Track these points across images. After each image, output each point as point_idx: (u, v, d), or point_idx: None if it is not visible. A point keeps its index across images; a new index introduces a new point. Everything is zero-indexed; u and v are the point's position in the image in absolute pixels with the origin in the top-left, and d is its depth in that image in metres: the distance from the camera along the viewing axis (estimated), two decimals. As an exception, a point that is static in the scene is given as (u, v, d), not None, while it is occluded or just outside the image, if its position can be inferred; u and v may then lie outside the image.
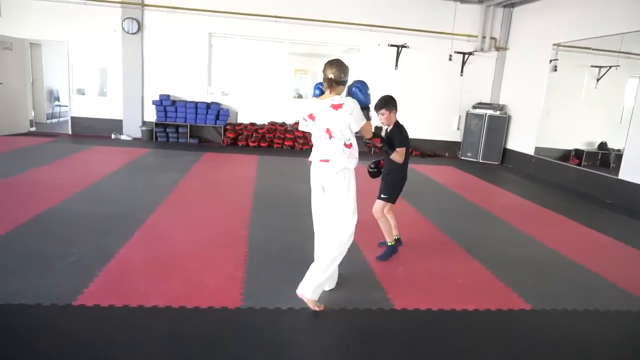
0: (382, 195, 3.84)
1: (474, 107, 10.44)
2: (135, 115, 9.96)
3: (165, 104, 9.70)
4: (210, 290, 3.05)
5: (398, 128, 3.72)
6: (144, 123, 10.00)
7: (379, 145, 3.59)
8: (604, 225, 5.67)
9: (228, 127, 9.96)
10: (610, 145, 9.73)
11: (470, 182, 7.94)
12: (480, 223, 5.30)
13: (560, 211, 6.09)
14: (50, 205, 4.67)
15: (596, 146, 9.85)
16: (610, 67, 9.39)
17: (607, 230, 5.30)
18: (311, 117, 2.90)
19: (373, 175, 3.86)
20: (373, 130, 3.28)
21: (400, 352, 2.53)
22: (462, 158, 10.62)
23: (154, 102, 9.71)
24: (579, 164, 8.98)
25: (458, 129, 10.91)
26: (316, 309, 2.90)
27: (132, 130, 9.95)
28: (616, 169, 7.58)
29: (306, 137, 10.02)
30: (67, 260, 3.38)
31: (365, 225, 4.11)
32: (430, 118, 10.70)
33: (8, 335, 2.41)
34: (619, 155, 9.18)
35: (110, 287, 3.02)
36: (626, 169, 6.94)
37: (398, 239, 4.04)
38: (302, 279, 2.95)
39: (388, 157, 3.70)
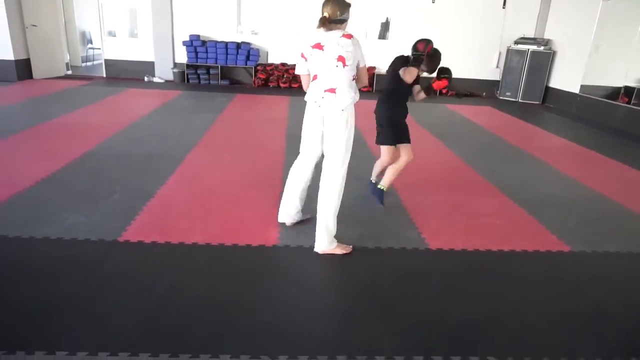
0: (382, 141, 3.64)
1: (516, 42, 9.82)
2: (166, 57, 9.92)
3: (195, 44, 9.58)
4: (248, 229, 3.13)
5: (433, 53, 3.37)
6: (175, 65, 9.97)
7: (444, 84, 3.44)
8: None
9: (259, 67, 9.81)
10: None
11: (509, 123, 7.64)
12: (519, 165, 5.14)
13: (606, 152, 5.81)
14: (92, 146, 4.82)
15: (650, 83, 9.21)
16: (672, -6, 8.53)
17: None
18: (318, 46, 2.74)
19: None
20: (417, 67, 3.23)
21: (436, 292, 2.56)
22: (501, 98, 10.17)
23: (184, 43, 9.60)
24: (628, 102, 8.44)
25: (497, 66, 10.37)
26: (344, 252, 2.88)
27: (164, 72, 9.95)
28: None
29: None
30: (111, 198, 3.52)
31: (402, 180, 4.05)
32: (468, 55, 10.15)
33: (63, 269, 2.56)
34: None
35: (152, 224, 3.14)
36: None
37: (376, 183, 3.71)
38: (338, 219, 2.93)
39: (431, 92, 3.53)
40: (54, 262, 2.61)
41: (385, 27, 10.35)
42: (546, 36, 9.90)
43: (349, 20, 2.82)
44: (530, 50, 9.64)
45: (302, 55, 2.85)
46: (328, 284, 2.57)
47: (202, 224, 3.18)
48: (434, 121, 7.18)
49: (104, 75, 10.09)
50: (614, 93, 8.91)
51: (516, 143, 6.11)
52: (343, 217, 3.40)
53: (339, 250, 2.89)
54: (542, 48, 9.60)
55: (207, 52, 9.65)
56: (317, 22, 2.74)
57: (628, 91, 8.97)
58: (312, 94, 2.84)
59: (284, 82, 9.69)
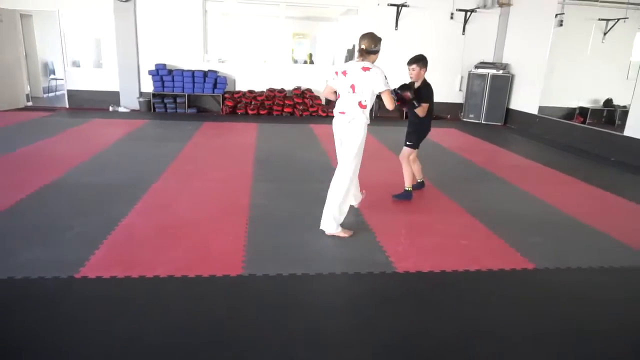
0: (407, 143, 4.40)
1: (476, 67, 10.20)
2: (132, 86, 9.82)
3: (161, 73, 9.53)
4: (213, 259, 3.05)
5: (426, 85, 4.25)
6: (141, 94, 9.87)
7: (408, 98, 3.94)
8: (609, 182, 5.61)
9: (226, 95, 9.81)
10: (616, 102, 9.56)
11: (473, 144, 7.84)
12: (483, 184, 5.26)
13: (565, 170, 6.03)
14: (54, 178, 4.67)
15: (601, 103, 9.68)
16: (618, 19, 9.09)
17: (612, 188, 5.25)
18: (344, 73, 3.46)
19: (404, 99, 3.95)
20: (399, 90, 3.89)
21: (405, 315, 2.54)
22: (465, 120, 10.47)
23: (150, 72, 9.54)
24: (584, 122, 8.84)
25: (460, 90, 10.72)
26: (346, 235, 3.48)
27: (129, 101, 9.82)
28: (622, 126, 7.45)
29: (306, 104, 9.88)
30: (72, 232, 3.38)
31: (365, 188, 4.08)
32: (431, 80, 10.32)
33: (8, 313, 2.42)
34: (625, 112, 9.01)
35: (113, 257, 3.02)
36: (632, 125, 6.82)
37: (421, 181, 4.71)
38: (304, 245, 3.17)
39: (413, 110, 4.13)
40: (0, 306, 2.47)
41: (351, 53, 10.59)
42: (504, 60, 10.34)
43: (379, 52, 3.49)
44: (490, 74, 10.02)
45: (336, 73, 3.55)
46: (296, 311, 2.51)
47: (166, 255, 3.09)
48: (401, 143, 7.29)
49: (67, 106, 9.87)
50: (570, 113, 9.33)
51: (480, 164, 6.27)
52: (309, 237, 3.38)
53: (343, 234, 3.49)
54: (501, 72, 10.00)
55: (173, 80, 9.60)
56: (356, 54, 3.49)
57: (583, 111, 9.42)
58: (336, 109, 3.58)
59: (252, 109, 9.71)
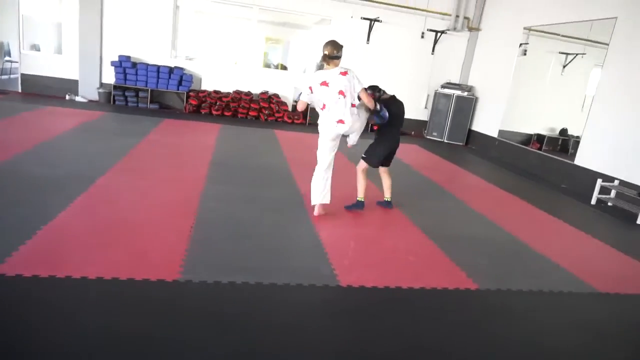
0: (363, 155, 4.39)
1: (443, 86, 10.41)
2: (92, 76, 9.43)
3: (125, 65, 9.21)
4: (149, 262, 2.90)
5: (392, 99, 4.41)
6: (101, 85, 9.50)
7: (374, 96, 4.08)
8: (558, 209, 5.79)
9: (191, 93, 9.59)
10: (570, 132, 9.97)
11: (434, 162, 7.95)
12: (439, 203, 5.30)
13: (519, 194, 6.17)
14: (-15, 166, 4.37)
15: (557, 132, 10.07)
16: (577, 54, 9.49)
17: (560, 214, 5.40)
18: (325, 84, 3.70)
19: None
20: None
21: (344, 331, 2.47)
22: (428, 137, 10.64)
23: (112, 63, 9.20)
24: (540, 149, 9.14)
25: (425, 107, 10.90)
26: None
27: (88, 91, 9.43)
28: (574, 155, 7.74)
29: (272, 109, 9.79)
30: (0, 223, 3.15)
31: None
32: (398, 95, 10.55)
33: None
34: (577, 142, 9.39)
35: (40, 255, 2.82)
36: (582, 155, 7.09)
37: (388, 201, 4.61)
38: (248, 253, 3.16)
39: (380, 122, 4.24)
40: None
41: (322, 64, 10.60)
42: (470, 83, 10.60)
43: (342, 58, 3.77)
44: (455, 94, 10.24)
45: (310, 88, 3.81)
46: (229, 325, 2.40)
47: (100, 255, 2.91)
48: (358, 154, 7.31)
49: (19, 91, 9.38)
50: (528, 139, 9.64)
51: (439, 182, 6.34)
52: (255, 245, 3.28)
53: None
54: (465, 93, 10.24)
55: (137, 74, 9.30)
56: (320, 58, 3.80)
57: (540, 138, 9.75)
58: (326, 119, 3.84)
59: (216, 109, 9.52)
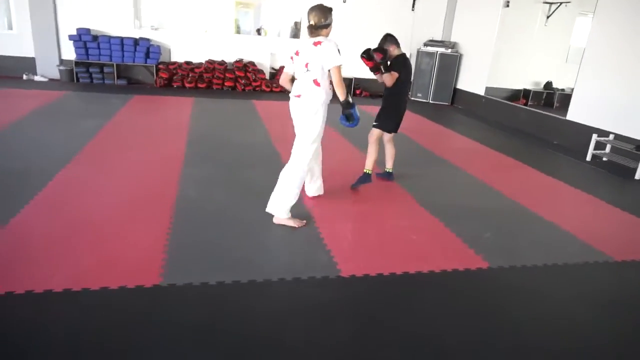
0: (373, 122, 4.10)
1: (425, 44, 9.97)
2: (50, 53, 8.70)
3: (84, 39, 8.50)
4: (125, 265, 2.55)
5: (402, 57, 3.97)
6: (62, 62, 8.79)
7: (380, 59, 3.75)
8: (553, 167, 5.58)
9: (161, 66, 8.96)
10: (555, 85, 9.75)
11: (420, 124, 7.63)
12: (431, 169, 5.02)
13: (511, 154, 5.93)
14: None
15: (542, 86, 9.84)
16: (561, 3, 9.15)
17: (558, 174, 5.19)
18: (297, 53, 3.23)
19: (375, 59, 3.78)
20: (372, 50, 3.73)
21: (349, 328, 2.19)
22: (412, 99, 10.27)
23: (71, 37, 8.47)
24: (526, 104, 8.91)
25: (409, 68, 10.46)
26: (297, 225, 3.19)
27: (48, 70, 8.72)
28: (560, 108, 7.52)
29: (248, 77, 9.25)
30: (-59, 234, 2.74)
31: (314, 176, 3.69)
32: (380, 56, 10.12)
33: None
34: (562, 95, 9.21)
35: (-5, 267, 2.44)
36: (574, 109, 6.84)
37: (389, 172, 4.37)
38: (236, 246, 2.81)
39: (381, 74, 3.88)
40: None
41: (297, 26, 10.01)
42: (453, 39, 10.17)
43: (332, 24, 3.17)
44: (438, 52, 9.83)
45: (291, 58, 3.29)
46: (221, 335, 2.09)
47: (65, 263, 2.54)
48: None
49: (-29, 73, 8.62)
50: (516, 95, 9.38)
51: (428, 146, 6.05)
52: (243, 236, 2.95)
53: (292, 223, 3.20)
54: (449, 51, 9.83)
55: (99, 47, 8.60)
56: (306, 30, 3.17)
57: (525, 93, 9.52)
58: (292, 92, 3.28)
59: (189, 81, 8.93)
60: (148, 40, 8.91)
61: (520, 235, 3.47)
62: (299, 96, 3.20)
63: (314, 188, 3.71)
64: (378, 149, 4.10)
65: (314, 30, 3.10)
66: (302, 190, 3.72)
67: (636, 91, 5.81)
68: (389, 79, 3.86)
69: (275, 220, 3.22)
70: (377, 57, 3.71)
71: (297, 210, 3.39)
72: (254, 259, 2.75)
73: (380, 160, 4.27)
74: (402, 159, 5.27)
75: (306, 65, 3.14)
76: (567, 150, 6.48)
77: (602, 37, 6.37)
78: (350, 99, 3.21)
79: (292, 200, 3.21)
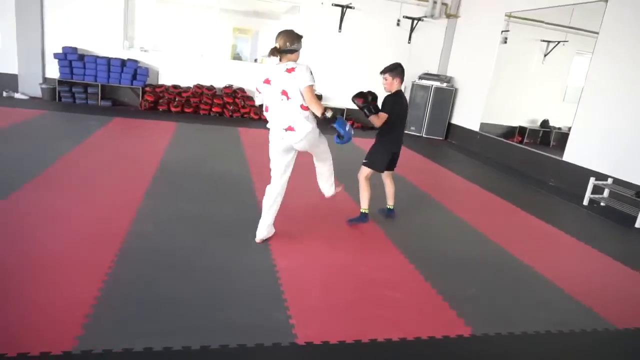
0: (363, 160, 3.90)
1: (420, 77, 9.77)
2: (34, 70, 8.44)
3: (70, 57, 8.25)
4: (37, 324, 2.14)
5: (396, 96, 3.75)
6: (45, 80, 8.53)
7: (361, 104, 3.54)
8: (550, 213, 5.23)
9: (147, 88, 8.69)
10: (552, 124, 9.52)
11: (412, 160, 7.31)
12: (419, 211, 4.65)
13: (506, 196, 5.58)
14: None
15: (539, 124, 9.60)
16: (559, 42, 9.00)
17: (554, 220, 4.83)
18: (267, 81, 3.03)
19: (357, 104, 3.60)
20: (354, 97, 3.56)
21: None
22: (406, 132, 9.99)
23: (56, 55, 8.23)
24: (521, 142, 8.65)
25: (403, 100, 10.23)
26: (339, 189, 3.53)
27: (30, 88, 8.44)
28: (556, 147, 7.24)
29: (237, 104, 8.99)
30: None
31: (286, 211, 3.32)
32: (373, 87, 9.87)
33: None
34: (559, 134, 8.95)
35: None
36: (571, 150, 6.55)
37: (391, 209, 4.16)
38: (180, 300, 2.46)
39: (367, 117, 3.63)
40: None
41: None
42: (449, 73, 10.00)
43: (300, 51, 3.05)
44: (433, 86, 9.62)
45: (257, 90, 3.16)
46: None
47: (-31, 314, 2.14)
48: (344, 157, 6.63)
49: (-51, 87, 8.34)
50: (511, 132, 9.12)
51: (417, 184, 5.70)
52: (192, 292, 2.51)
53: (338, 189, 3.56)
54: (444, 85, 9.63)
55: (84, 67, 8.35)
56: (269, 52, 3.02)
57: (521, 131, 9.26)
58: (272, 126, 3.11)
59: (175, 105, 8.66)
60: (136, 61, 8.68)
61: (509, 293, 3.08)
62: (291, 129, 3.02)
63: (264, 228, 3.31)
64: (370, 186, 3.91)
65: (278, 53, 2.99)
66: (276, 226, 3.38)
67: (636, 134, 5.52)
68: (375, 120, 3.65)
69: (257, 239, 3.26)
70: (358, 101, 3.55)
71: (260, 259, 3.02)
72: (198, 317, 2.35)
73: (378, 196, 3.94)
74: (382, 198, 4.93)
75: (284, 93, 2.97)
76: (562, 193, 6.15)
77: (600, 77, 6.13)
78: (329, 114, 2.98)
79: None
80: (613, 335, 2.71)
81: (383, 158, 3.88)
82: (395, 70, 3.74)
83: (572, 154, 6.49)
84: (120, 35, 8.73)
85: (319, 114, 2.97)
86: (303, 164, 3.58)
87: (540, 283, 3.28)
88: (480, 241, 3.98)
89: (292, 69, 2.95)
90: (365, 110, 3.58)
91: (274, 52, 2.99)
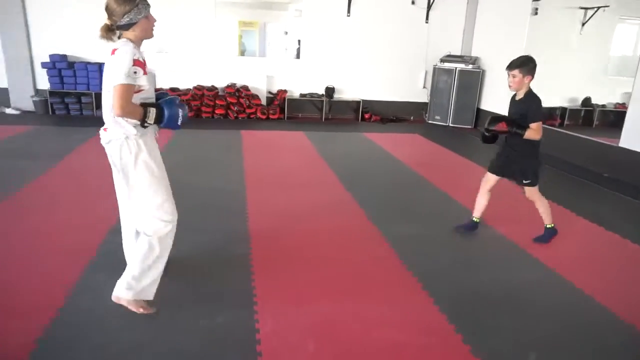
0: (523, 181, 3.40)
1: (442, 60, 8.80)
2: (24, 83, 7.95)
3: (59, 66, 7.70)
4: None
5: (533, 98, 3.25)
6: (37, 92, 8.01)
7: (506, 129, 3.11)
8: (612, 217, 4.25)
9: (144, 94, 8.04)
10: (594, 101, 8.44)
11: (436, 156, 6.43)
12: (445, 227, 3.77)
13: (551, 196, 4.60)
14: None
15: (579, 102, 8.53)
16: (599, 7, 7.91)
17: (619, 227, 3.88)
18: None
19: (485, 140, 3.30)
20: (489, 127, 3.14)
21: None
22: (430, 122, 9.08)
23: (43, 65, 7.69)
24: (561, 124, 7.63)
25: (424, 87, 9.30)
26: (141, 310, 2.23)
27: (22, 101, 7.94)
28: (599, 128, 6.25)
29: (242, 104, 8.25)
30: None
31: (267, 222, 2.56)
32: (390, 75, 9.02)
33: None
34: (603, 112, 7.90)
35: None
36: (628, 134, 5.51)
37: (551, 227, 3.51)
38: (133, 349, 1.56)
39: (521, 137, 3.17)
40: None
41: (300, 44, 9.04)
42: (474, 53, 8.98)
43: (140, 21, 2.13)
44: (457, 68, 8.64)
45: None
46: None
47: None
48: (344, 158, 5.81)
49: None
50: (548, 114, 8.09)
51: (442, 186, 4.83)
52: (151, 332, 1.77)
53: (134, 307, 2.22)
54: (470, 66, 8.64)
55: (75, 75, 7.77)
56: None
57: (562, 112, 8.22)
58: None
59: (174, 110, 7.99)
60: (130, 65, 8.04)
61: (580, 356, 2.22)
62: (105, 130, 2.20)
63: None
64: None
65: (109, 32, 2.11)
66: (256, 271, 2.61)
67: None
68: (534, 134, 3.17)
69: (113, 297, 2.27)
70: (501, 128, 3.14)
71: (239, 318, 2.27)
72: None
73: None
74: (406, 209, 4.08)
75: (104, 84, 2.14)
76: (620, 186, 5.14)
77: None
78: (151, 120, 2.16)
79: (144, 280, 2.25)
80: None
81: (539, 165, 3.45)
82: (527, 65, 3.22)
83: (631, 139, 5.45)
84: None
85: (137, 116, 2.11)
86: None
87: (595, 312, 2.40)
88: (527, 265, 3.11)
89: (114, 51, 2.07)
90: (519, 132, 3.12)
91: (105, 32, 2.11)
